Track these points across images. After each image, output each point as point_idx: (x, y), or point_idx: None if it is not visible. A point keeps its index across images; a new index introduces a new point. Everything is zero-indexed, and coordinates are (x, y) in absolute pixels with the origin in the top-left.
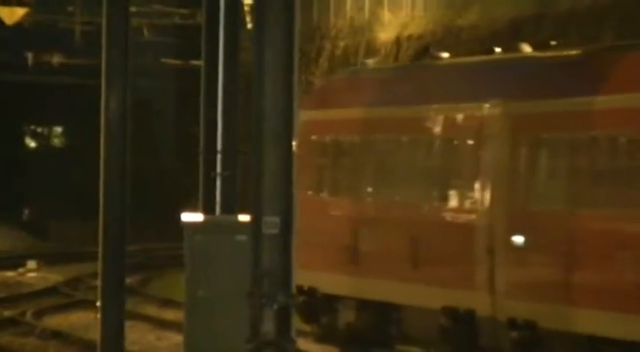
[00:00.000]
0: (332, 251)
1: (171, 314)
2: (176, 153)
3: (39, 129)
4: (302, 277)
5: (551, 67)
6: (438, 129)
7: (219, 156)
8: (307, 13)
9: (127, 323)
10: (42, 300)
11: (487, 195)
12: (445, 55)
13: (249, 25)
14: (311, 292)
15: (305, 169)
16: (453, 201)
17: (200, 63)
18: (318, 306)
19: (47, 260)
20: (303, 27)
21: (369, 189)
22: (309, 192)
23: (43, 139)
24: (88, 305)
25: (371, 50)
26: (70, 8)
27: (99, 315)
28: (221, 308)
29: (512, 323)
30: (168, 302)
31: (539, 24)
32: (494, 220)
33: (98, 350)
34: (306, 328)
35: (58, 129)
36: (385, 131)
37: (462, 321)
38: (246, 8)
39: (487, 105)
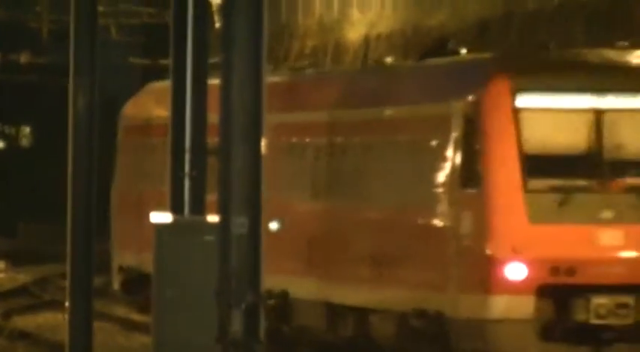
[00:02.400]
0: None
1: (138, 315)
2: None
3: (6, 129)
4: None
5: (351, 81)
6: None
7: (187, 156)
8: (275, 12)
9: (95, 324)
10: (10, 301)
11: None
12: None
13: (218, 24)
14: None
15: None
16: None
17: (168, 62)
18: None
19: (15, 260)
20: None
21: None
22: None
23: (10, 139)
24: (57, 305)
25: (340, 49)
26: (37, 7)
27: (67, 316)
28: (189, 308)
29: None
30: (135, 303)
31: (508, 23)
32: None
33: (66, 351)
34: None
35: (26, 129)
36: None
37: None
38: (214, 7)
39: (315, 114)
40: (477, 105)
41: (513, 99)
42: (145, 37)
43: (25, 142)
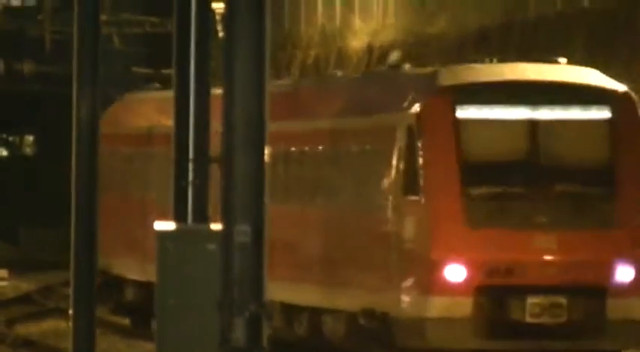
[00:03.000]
0: None
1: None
2: None
3: (10, 138)
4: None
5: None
6: None
7: (190, 165)
8: (278, 22)
9: (98, 332)
10: (13, 309)
11: None
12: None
13: (221, 34)
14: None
15: None
16: None
17: (171, 71)
18: None
19: (18, 268)
20: (274, 35)
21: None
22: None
23: (14, 148)
24: (60, 313)
25: (342, 58)
26: (40, 16)
27: (70, 323)
28: (192, 316)
29: None
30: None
31: (508, 31)
32: None
33: None
34: None
35: (30, 138)
36: None
37: None
38: (217, 17)
39: (274, 124)
40: (419, 116)
41: (453, 111)
42: (147, 47)
43: (28, 151)
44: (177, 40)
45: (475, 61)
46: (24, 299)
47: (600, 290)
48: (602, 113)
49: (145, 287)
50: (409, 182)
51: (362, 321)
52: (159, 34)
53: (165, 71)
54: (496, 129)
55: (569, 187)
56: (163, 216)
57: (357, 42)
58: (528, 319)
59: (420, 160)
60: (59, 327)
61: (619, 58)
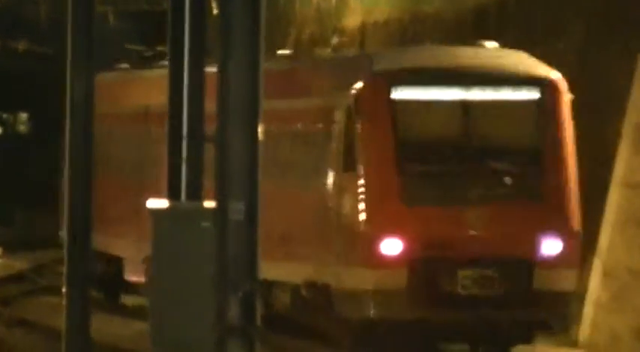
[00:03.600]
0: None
1: (133, 301)
2: None
3: (4, 116)
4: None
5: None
6: None
7: (184, 142)
8: (273, 0)
9: (92, 311)
10: (7, 287)
11: None
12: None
13: (216, 11)
14: None
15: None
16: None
17: (165, 48)
18: None
19: (12, 246)
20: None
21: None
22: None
23: (8, 125)
24: (55, 291)
25: (338, 36)
26: None
27: (64, 302)
28: (186, 295)
29: None
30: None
31: (505, 10)
32: None
33: (64, 337)
34: None
35: (24, 116)
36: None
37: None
38: None
39: None
40: (356, 98)
41: (389, 92)
42: (142, 24)
43: (22, 129)
44: (171, 18)
45: (474, 40)
46: (18, 277)
47: (528, 263)
48: (531, 94)
49: (113, 261)
50: (348, 160)
51: (304, 293)
52: (154, 11)
53: (160, 49)
54: (430, 109)
55: (499, 165)
56: (125, 191)
57: (351, 20)
58: (460, 291)
59: (358, 139)
60: (54, 305)
61: (620, 34)
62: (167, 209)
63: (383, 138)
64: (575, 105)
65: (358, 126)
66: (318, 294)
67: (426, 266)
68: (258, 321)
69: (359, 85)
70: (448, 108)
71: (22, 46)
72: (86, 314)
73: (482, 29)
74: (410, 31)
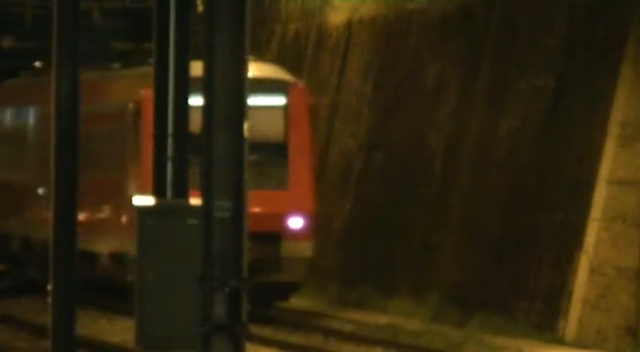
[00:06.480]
0: None
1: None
2: None
3: None
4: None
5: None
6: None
7: (169, 140)
8: None
9: (78, 308)
10: None
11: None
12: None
13: (200, 8)
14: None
15: None
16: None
17: (151, 46)
18: None
19: None
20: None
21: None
22: None
23: None
24: (39, 288)
25: (322, 34)
26: None
27: (49, 299)
28: (172, 292)
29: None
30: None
31: (489, 7)
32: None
33: (50, 333)
34: None
35: None
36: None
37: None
38: None
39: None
40: (138, 103)
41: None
42: (127, 21)
43: None
44: (157, 15)
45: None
46: (3, 274)
47: (277, 236)
48: (279, 100)
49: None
50: (132, 152)
51: (105, 262)
52: (139, 8)
53: (145, 45)
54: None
55: (256, 158)
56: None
57: (336, 17)
58: None
59: (140, 136)
60: (38, 302)
61: (603, 30)
62: (153, 206)
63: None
64: (563, 103)
65: (139, 126)
66: (114, 263)
67: None
68: (245, 318)
69: (140, 92)
70: None
71: (7, 43)
72: (72, 311)
73: (466, 26)
74: (395, 28)
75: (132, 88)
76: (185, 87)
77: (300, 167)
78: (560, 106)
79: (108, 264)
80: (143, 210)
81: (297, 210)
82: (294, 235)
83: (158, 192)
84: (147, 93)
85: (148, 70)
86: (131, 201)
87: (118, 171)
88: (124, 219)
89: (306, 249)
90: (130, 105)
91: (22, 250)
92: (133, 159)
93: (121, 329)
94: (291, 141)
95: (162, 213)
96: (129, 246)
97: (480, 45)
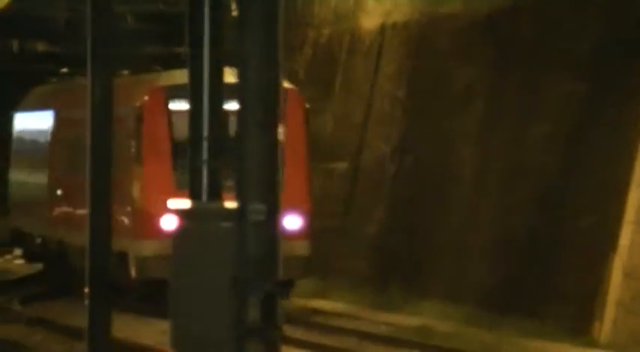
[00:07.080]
0: None
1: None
2: None
3: None
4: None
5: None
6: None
7: (205, 144)
8: (291, 2)
9: (113, 310)
10: (27, 287)
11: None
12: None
13: (234, 13)
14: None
15: None
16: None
17: (184, 50)
18: None
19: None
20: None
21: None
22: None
23: None
24: (76, 291)
25: (355, 38)
26: None
27: (86, 302)
28: (206, 295)
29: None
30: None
31: (520, 12)
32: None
33: (85, 336)
34: None
35: None
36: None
37: None
38: None
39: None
40: (142, 108)
41: (166, 104)
42: (161, 25)
43: None
44: (190, 19)
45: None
46: (39, 277)
47: None
48: None
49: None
50: (137, 155)
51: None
52: (173, 12)
53: (178, 50)
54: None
55: None
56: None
57: (369, 22)
58: None
59: (144, 139)
60: (74, 305)
61: (632, 34)
62: (189, 209)
63: (161, 139)
64: (594, 107)
65: (143, 129)
66: (117, 260)
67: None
68: (280, 322)
69: (144, 98)
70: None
71: (40, 47)
72: (108, 314)
73: (497, 31)
74: (427, 33)
75: (136, 94)
76: (219, 90)
77: (296, 167)
78: (591, 111)
79: (112, 264)
80: (177, 213)
81: (293, 209)
82: (292, 234)
83: (193, 194)
84: (149, 99)
85: (154, 76)
86: (134, 203)
87: (122, 173)
88: (127, 221)
89: (302, 247)
90: (133, 110)
91: (58, 252)
92: (136, 162)
93: (155, 332)
94: (287, 143)
95: (196, 216)
96: (131, 247)
97: (510, 49)
